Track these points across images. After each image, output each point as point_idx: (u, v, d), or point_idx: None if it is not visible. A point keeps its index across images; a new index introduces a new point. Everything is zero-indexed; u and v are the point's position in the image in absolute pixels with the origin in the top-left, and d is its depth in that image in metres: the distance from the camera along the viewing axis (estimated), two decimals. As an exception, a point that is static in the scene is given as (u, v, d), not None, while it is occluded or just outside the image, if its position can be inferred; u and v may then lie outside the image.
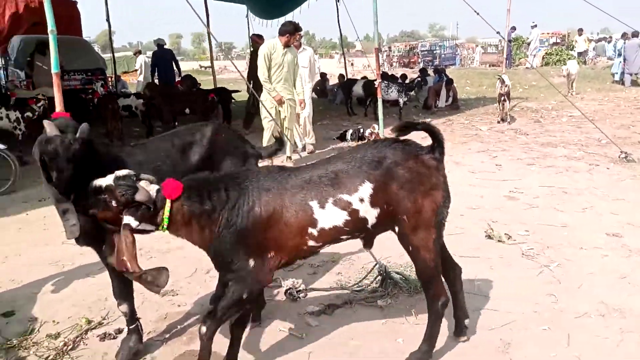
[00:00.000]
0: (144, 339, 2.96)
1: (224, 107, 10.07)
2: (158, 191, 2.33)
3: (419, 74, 14.87)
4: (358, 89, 12.28)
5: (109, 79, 13.24)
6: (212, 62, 14.06)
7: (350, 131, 9.01)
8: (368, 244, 2.66)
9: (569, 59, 18.40)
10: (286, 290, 3.51)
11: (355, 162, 2.44)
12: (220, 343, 2.71)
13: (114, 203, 2.28)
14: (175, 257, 4.17)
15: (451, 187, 2.56)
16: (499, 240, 4.31)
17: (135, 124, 10.59)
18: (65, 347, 2.97)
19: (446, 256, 2.78)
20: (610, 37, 25.32)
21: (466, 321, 2.90)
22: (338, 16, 14.31)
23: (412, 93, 12.55)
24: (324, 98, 15.47)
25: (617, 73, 16.86)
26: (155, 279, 2.27)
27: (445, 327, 2.85)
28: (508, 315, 3.14)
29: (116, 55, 16.17)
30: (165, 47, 13.09)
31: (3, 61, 12.27)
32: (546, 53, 23.44)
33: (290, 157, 7.30)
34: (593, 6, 7.99)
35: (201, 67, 36.79)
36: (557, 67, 19.56)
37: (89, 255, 3.51)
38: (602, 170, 6.51)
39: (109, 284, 2.86)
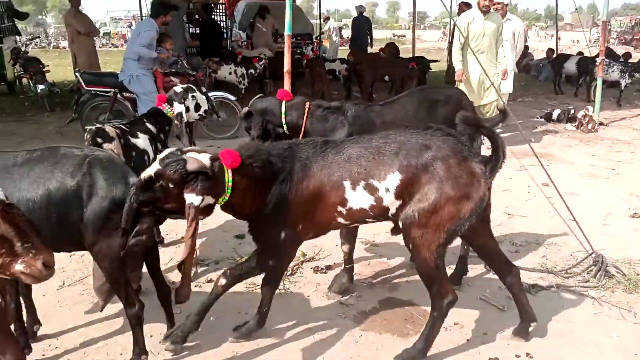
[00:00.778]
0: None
1: (421, 76, 10.10)
2: (213, 160, 2.25)
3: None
4: (571, 66, 11.13)
5: (315, 43, 14.14)
6: (413, 31, 14.08)
7: (558, 111, 8.29)
8: (396, 230, 2.53)
9: None
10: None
11: (395, 145, 2.32)
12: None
13: (171, 185, 2.18)
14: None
15: None
16: None
17: (334, 87, 11.23)
18: (287, 272, 3.43)
19: (502, 260, 2.61)
20: None
21: (532, 324, 2.66)
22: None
23: (638, 75, 10.93)
24: (525, 74, 14.38)
25: None
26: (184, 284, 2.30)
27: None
28: None
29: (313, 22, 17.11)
30: (364, 14, 13.44)
31: (230, 23, 13.94)
32: None
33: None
34: None
35: (394, 35, 37.03)
36: None
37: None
38: None
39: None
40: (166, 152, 2.25)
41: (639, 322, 2.84)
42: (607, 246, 3.62)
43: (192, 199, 2.13)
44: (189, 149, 2.32)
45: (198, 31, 11.10)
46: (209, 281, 3.38)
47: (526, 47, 15.43)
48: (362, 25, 12.86)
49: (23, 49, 11.27)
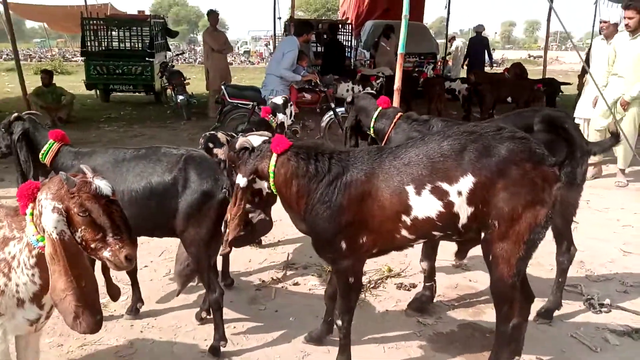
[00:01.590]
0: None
1: (549, 99, 9.48)
2: (265, 142, 2.36)
3: None
4: None
5: (439, 63, 13.97)
6: (545, 51, 13.22)
7: None
8: (460, 254, 2.35)
9: None
10: (587, 299, 3.26)
11: (468, 146, 2.13)
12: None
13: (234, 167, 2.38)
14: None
15: None
16: None
17: (454, 107, 10.97)
18: (369, 284, 3.49)
19: (524, 282, 2.40)
20: None
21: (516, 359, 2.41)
22: None
23: None
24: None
25: None
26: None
27: None
28: None
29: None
30: (483, 34, 13.06)
31: (356, 42, 14.34)
32: None
33: (623, 170, 5.97)
34: None
35: (530, 56, 34.98)
36: None
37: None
38: None
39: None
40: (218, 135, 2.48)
41: None
42: None
43: (238, 179, 2.31)
44: (253, 133, 2.55)
45: (322, 50, 11.60)
46: (295, 284, 3.56)
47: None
48: (479, 44, 12.68)
49: (170, 63, 12.66)
